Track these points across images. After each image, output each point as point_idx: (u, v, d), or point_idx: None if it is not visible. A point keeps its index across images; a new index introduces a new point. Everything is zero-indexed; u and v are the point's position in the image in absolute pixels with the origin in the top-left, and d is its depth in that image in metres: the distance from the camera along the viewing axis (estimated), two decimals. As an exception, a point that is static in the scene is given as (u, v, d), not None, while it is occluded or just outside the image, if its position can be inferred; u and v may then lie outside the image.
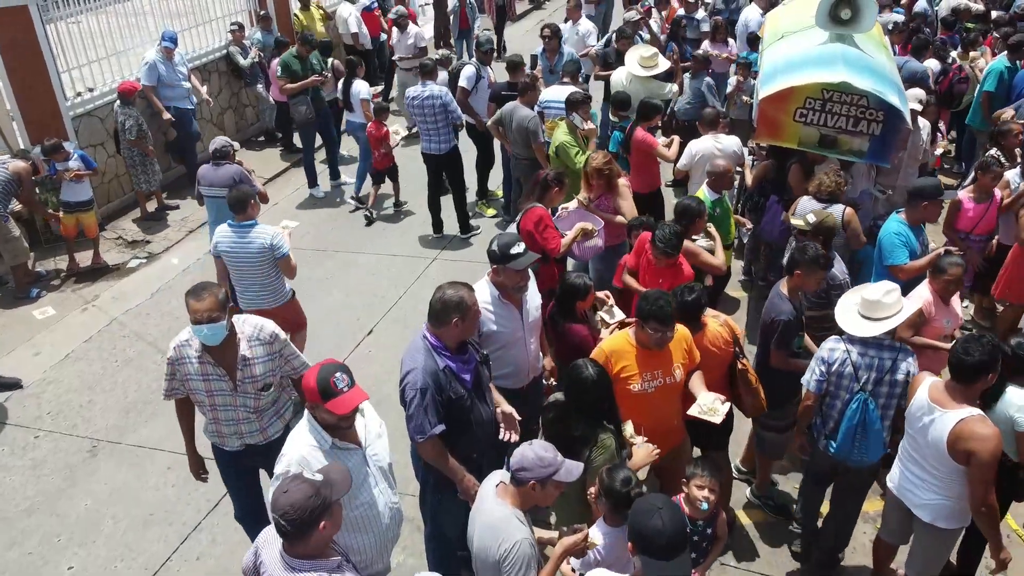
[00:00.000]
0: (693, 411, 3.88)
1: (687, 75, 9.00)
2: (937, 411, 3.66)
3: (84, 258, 8.29)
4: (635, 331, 4.04)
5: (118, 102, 8.74)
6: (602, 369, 3.72)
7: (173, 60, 9.45)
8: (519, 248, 4.08)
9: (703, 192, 5.98)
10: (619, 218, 6.09)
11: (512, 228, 5.46)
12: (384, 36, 13.12)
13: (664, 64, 8.47)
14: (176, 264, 8.35)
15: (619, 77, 8.45)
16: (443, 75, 9.13)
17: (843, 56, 6.03)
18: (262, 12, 11.37)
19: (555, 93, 7.81)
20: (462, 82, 8.41)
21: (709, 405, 3.80)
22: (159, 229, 9.06)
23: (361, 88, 9.11)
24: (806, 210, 5.67)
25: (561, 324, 4.62)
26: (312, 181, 9.73)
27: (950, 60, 9.38)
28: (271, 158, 10.94)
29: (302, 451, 3.24)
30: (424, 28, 16.03)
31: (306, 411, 3.33)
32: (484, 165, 8.97)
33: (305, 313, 7.20)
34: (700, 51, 9.02)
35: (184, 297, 3.83)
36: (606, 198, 6.09)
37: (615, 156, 7.70)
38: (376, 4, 13.10)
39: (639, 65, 8.25)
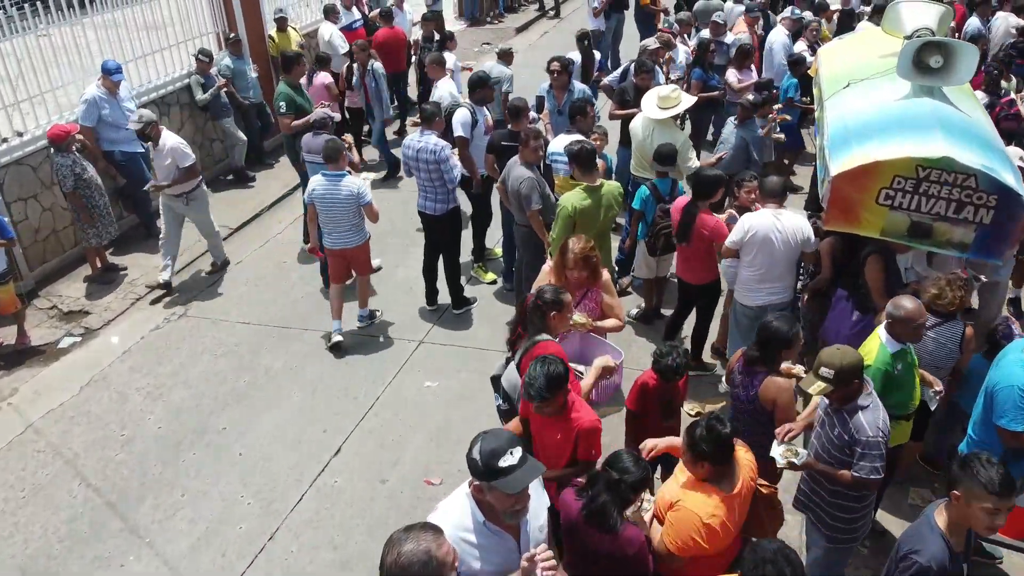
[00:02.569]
0: None
1: (732, 122, 7.64)
2: None
3: (9, 333, 7.00)
4: None
5: (52, 149, 7.45)
6: None
7: (118, 96, 8.13)
8: (513, 458, 2.69)
9: (880, 339, 4.15)
10: (611, 322, 4.80)
11: (511, 369, 4.11)
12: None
13: (687, 100, 7.11)
14: (116, 344, 7.01)
15: (638, 126, 7.08)
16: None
17: (938, 119, 4.70)
18: (232, 35, 10.02)
19: (564, 144, 6.49)
20: (458, 131, 7.07)
21: None
22: (101, 295, 7.72)
23: (448, 59, 9.39)
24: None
25: (592, 528, 3.27)
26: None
27: (1002, 91, 8.06)
28: (240, 201, 9.60)
29: None
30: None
31: None
32: (480, 222, 7.64)
33: (256, 422, 5.96)
34: (746, 99, 7.61)
35: None
36: (591, 297, 4.80)
37: (640, 215, 6.44)
38: (361, 23, 11.79)
39: (656, 107, 6.91)
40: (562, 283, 4.65)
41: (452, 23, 16.84)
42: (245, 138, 9.92)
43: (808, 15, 10.29)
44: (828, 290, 5.40)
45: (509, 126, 6.83)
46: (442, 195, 6.64)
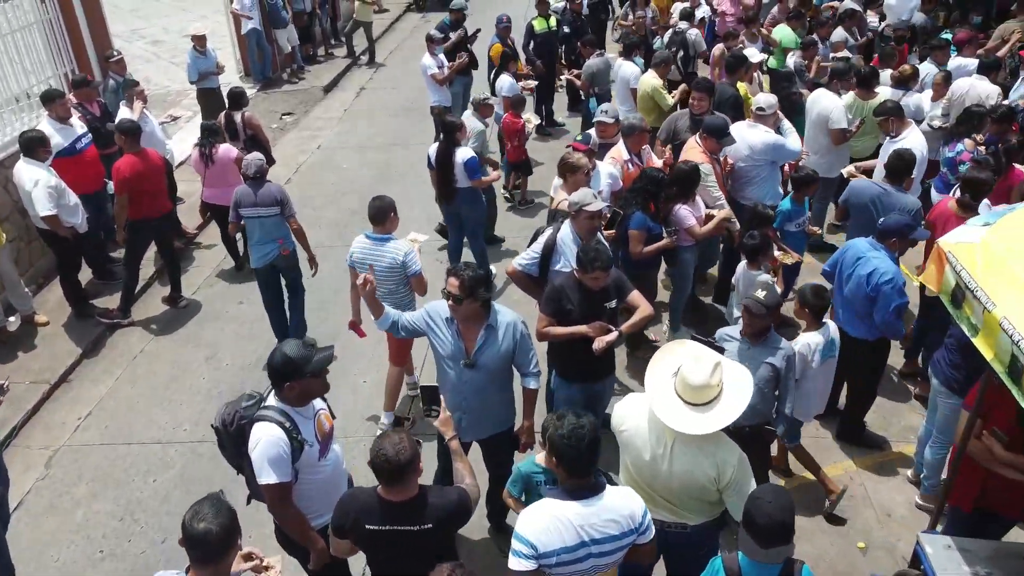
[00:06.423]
0: None
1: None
2: None
3: None
4: None
5: None
6: None
7: None
8: None
9: None
10: None
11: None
12: (110, 185, 7.55)
13: (737, 396, 3.38)
14: None
15: (644, 431, 3.46)
16: None
17: None
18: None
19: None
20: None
21: None
22: None
23: (504, 84, 9.19)
24: None
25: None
26: None
27: None
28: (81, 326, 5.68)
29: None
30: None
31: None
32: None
33: None
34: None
35: None
36: None
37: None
38: (91, 139, 7.58)
39: (683, 409, 3.35)
40: None
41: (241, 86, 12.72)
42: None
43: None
44: None
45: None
46: None
